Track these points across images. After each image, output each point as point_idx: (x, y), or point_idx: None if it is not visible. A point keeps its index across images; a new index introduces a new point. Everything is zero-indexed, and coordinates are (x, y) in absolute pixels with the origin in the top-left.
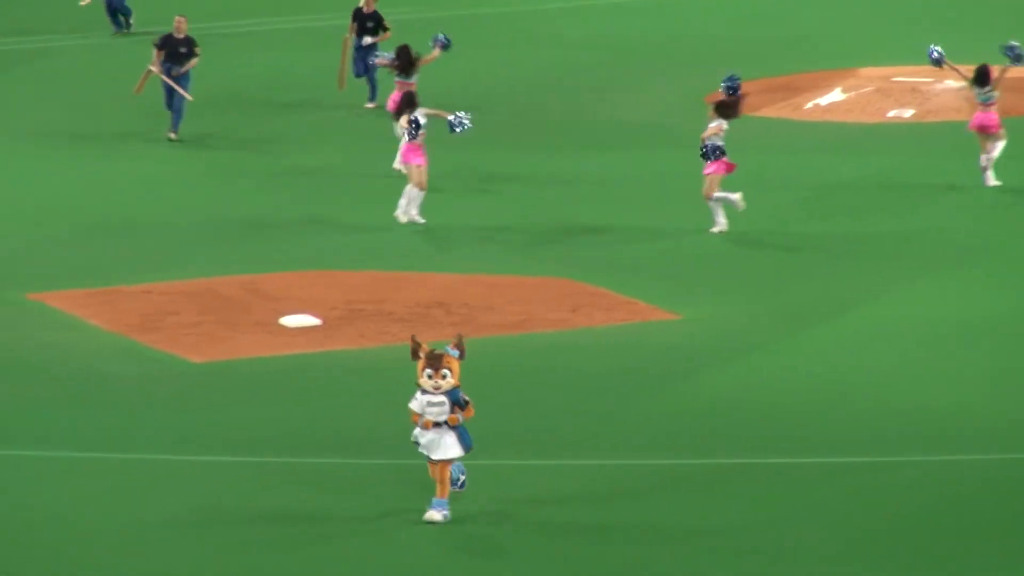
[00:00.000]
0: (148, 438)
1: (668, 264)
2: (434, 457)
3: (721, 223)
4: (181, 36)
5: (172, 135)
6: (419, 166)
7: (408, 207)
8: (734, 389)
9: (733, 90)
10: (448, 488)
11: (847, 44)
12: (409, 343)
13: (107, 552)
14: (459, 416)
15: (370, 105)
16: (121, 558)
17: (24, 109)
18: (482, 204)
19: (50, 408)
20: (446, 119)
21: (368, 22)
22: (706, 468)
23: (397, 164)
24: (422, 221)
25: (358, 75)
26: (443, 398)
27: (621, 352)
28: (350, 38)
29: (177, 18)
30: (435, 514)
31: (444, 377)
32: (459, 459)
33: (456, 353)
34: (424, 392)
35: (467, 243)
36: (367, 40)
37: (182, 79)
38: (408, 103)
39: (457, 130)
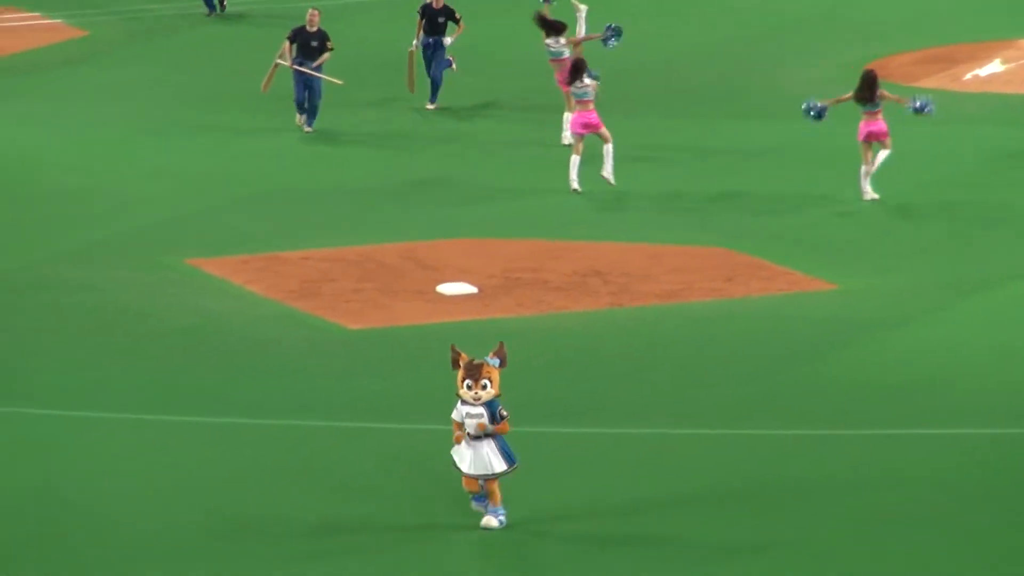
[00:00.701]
0: (304, 404)
1: (827, 234)
2: (479, 474)
3: (868, 191)
4: (313, 29)
5: (308, 129)
6: (586, 135)
7: (601, 170)
8: (891, 359)
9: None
10: (499, 496)
11: (1006, 15)
12: (450, 352)
13: (265, 511)
14: (488, 425)
15: (431, 107)
16: (280, 519)
17: (168, 80)
18: (644, 173)
19: (207, 374)
20: (600, 39)
21: (439, 17)
22: (862, 439)
23: (567, 137)
24: (613, 182)
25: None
26: (482, 409)
27: (776, 322)
28: (417, 45)
29: (310, 11)
30: (492, 520)
31: (484, 388)
32: (504, 473)
33: (496, 363)
34: (464, 403)
35: (627, 212)
36: (447, 41)
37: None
38: (578, 70)
39: (611, 42)
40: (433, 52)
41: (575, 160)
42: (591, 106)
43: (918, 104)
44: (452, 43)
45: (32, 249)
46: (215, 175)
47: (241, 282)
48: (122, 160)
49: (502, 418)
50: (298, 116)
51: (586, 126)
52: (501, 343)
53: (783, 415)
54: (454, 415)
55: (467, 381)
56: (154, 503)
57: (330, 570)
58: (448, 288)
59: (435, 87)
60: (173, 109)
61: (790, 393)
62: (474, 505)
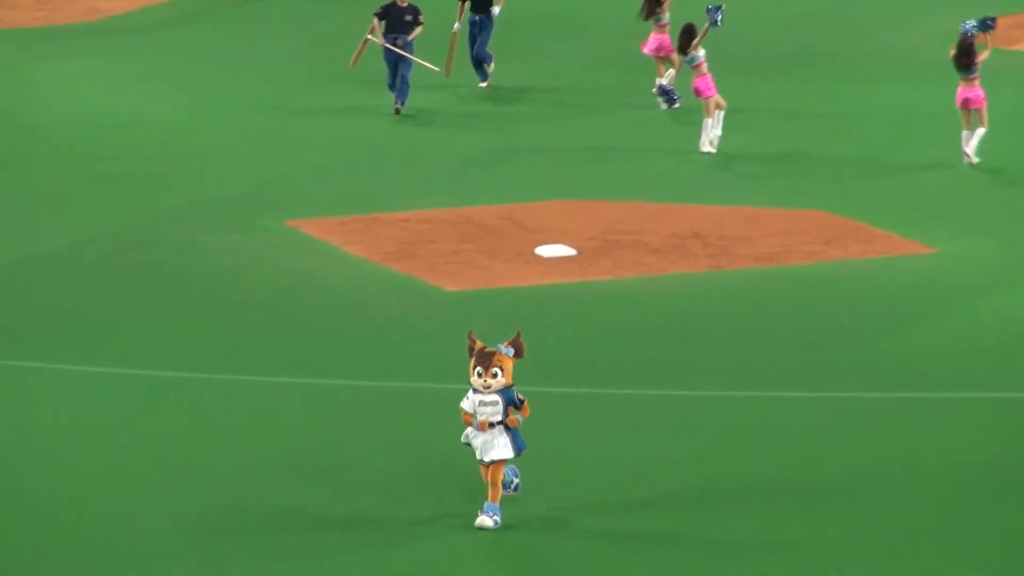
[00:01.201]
0: (403, 366)
1: (926, 197)
2: (485, 459)
3: (968, 155)
4: (405, 4)
5: (398, 106)
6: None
7: (711, 131)
8: (988, 323)
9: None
10: (500, 492)
11: None
12: (467, 340)
13: (366, 477)
14: (519, 418)
15: (483, 85)
16: (375, 484)
17: (270, 43)
18: (745, 136)
19: (305, 335)
20: (709, 25)
21: None
22: (955, 402)
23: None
24: (711, 150)
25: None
26: (496, 397)
27: (874, 286)
28: (459, 27)
29: None
30: (486, 520)
31: (494, 376)
32: (510, 461)
33: (511, 352)
34: (476, 391)
35: (727, 174)
36: (495, 11)
37: (408, 48)
38: (689, 35)
39: (718, 19)
40: (480, 30)
41: (707, 122)
42: (704, 70)
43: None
44: (499, 12)
45: (135, 209)
46: (315, 138)
47: (340, 244)
48: (223, 122)
49: (521, 402)
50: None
51: (698, 91)
52: (518, 332)
53: (881, 379)
54: (464, 404)
55: (478, 368)
56: (257, 463)
57: (435, 526)
58: (547, 250)
59: (481, 64)
60: (271, 73)
61: (888, 357)
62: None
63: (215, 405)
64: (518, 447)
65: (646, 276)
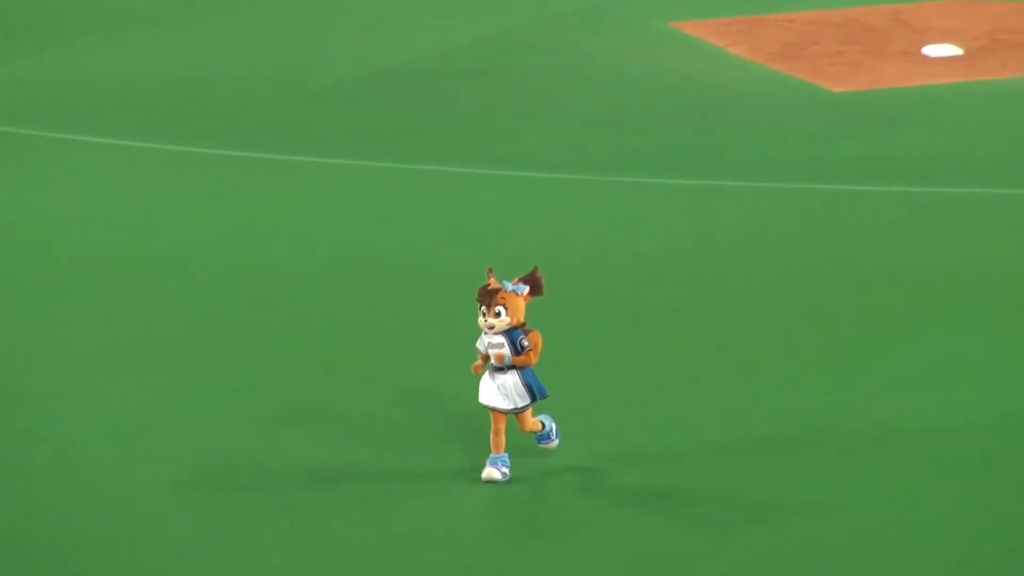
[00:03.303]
0: (784, 166)
1: None
2: (494, 406)
3: None
4: None
5: None
6: None
7: None
8: None
9: None
10: (503, 441)
11: None
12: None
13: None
14: (506, 356)
15: None
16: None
17: None
18: None
19: (689, 135)
20: None
21: None
22: None
23: None
24: None
25: None
26: (502, 339)
27: None
28: None
29: None
30: (494, 472)
31: (497, 315)
32: (522, 409)
33: (522, 289)
34: (485, 333)
35: None
36: None
37: None
38: None
39: None
40: None
41: None
42: None
43: None
44: None
45: (517, 13)
46: None
47: (723, 44)
48: None
49: (522, 349)
50: None
51: None
52: (535, 267)
53: None
54: (478, 343)
55: (481, 307)
56: (642, 262)
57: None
58: (933, 50)
59: None
60: None
61: None
62: (540, 444)
63: (598, 207)
64: (532, 392)
65: None
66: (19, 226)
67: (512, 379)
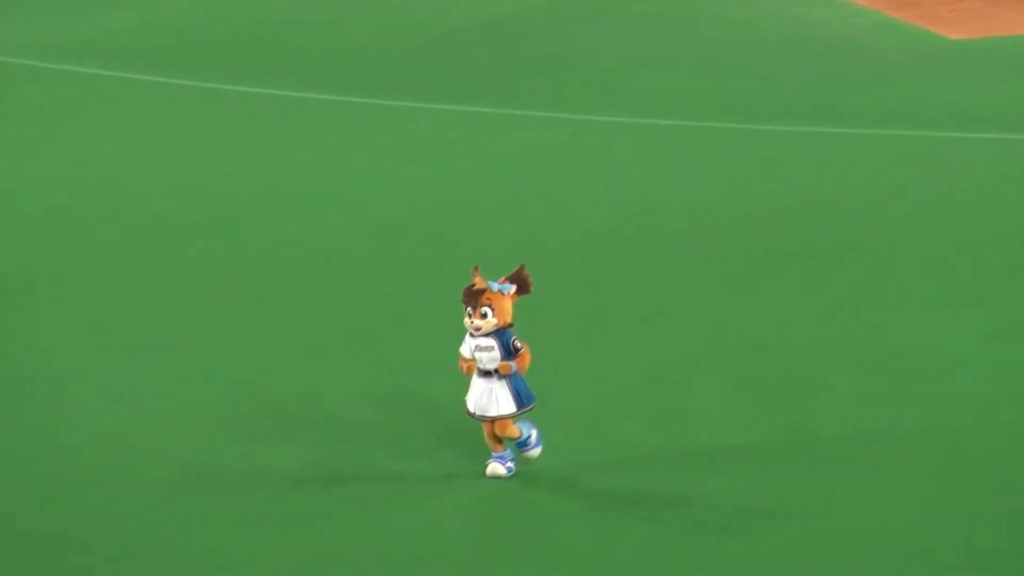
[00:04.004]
0: (902, 113)
1: None
2: (480, 414)
3: None
4: None
5: None
6: None
7: None
8: None
9: None
10: (510, 437)
11: None
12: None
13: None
14: (511, 364)
15: None
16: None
17: None
18: None
19: (807, 82)
20: None
21: None
22: None
23: None
24: None
25: None
26: (492, 342)
27: None
28: None
29: None
30: (498, 467)
31: (484, 317)
32: (511, 416)
33: (509, 288)
34: (471, 335)
35: None
36: None
37: None
38: None
39: None
40: None
41: None
42: None
43: None
44: None
45: None
46: None
47: None
48: None
49: (516, 350)
50: None
51: None
52: (521, 266)
53: None
54: (462, 348)
55: (467, 309)
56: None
57: None
58: None
59: None
60: None
61: None
62: (522, 452)
63: (713, 155)
64: (520, 400)
65: None
66: (148, 169)
67: (500, 385)
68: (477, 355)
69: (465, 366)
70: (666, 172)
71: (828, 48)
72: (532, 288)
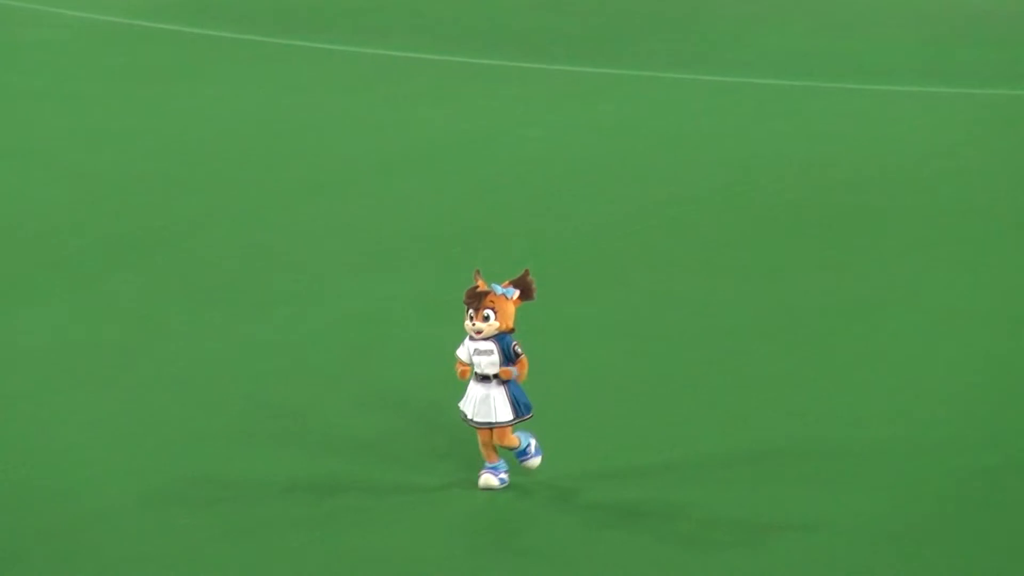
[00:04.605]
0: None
1: None
2: (479, 420)
3: None
4: None
5: None
6: None
7: None
8: None
9: None
10: (494, 451)
11: None
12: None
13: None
14: (512, 370)
15: None
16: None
17: None
18: None
19: (917, 43)
20: None
21: None
22: None
23: None
24: None
25: None
26: (491, 346)
27: None
28: None
29: None
30: (491, 478)
31: (486, 319)
32: (508, 424)
33: (512, 293)
34: (470, 338)
35: None
36: None
37: None
38: None
39: None
40: None
41: None
42: None
43: None
44: None
45: None
46: None
47: None
48: None
49: (517, 356)
50: None
51: None
52: (526, 270)
53: None
54: (460, 352)
55: (469, 311)
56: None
57: None
58: None
59: None
60: None
61: None
62: (521, 462)
63: (825, 115)
64: (518, 408)
65: None
66: (266, 130)
67: (498, 391)
68: (475, 359)
69: (460, 370)
70: (775, 133)
71: (942, 7)
72: (536, 295)
